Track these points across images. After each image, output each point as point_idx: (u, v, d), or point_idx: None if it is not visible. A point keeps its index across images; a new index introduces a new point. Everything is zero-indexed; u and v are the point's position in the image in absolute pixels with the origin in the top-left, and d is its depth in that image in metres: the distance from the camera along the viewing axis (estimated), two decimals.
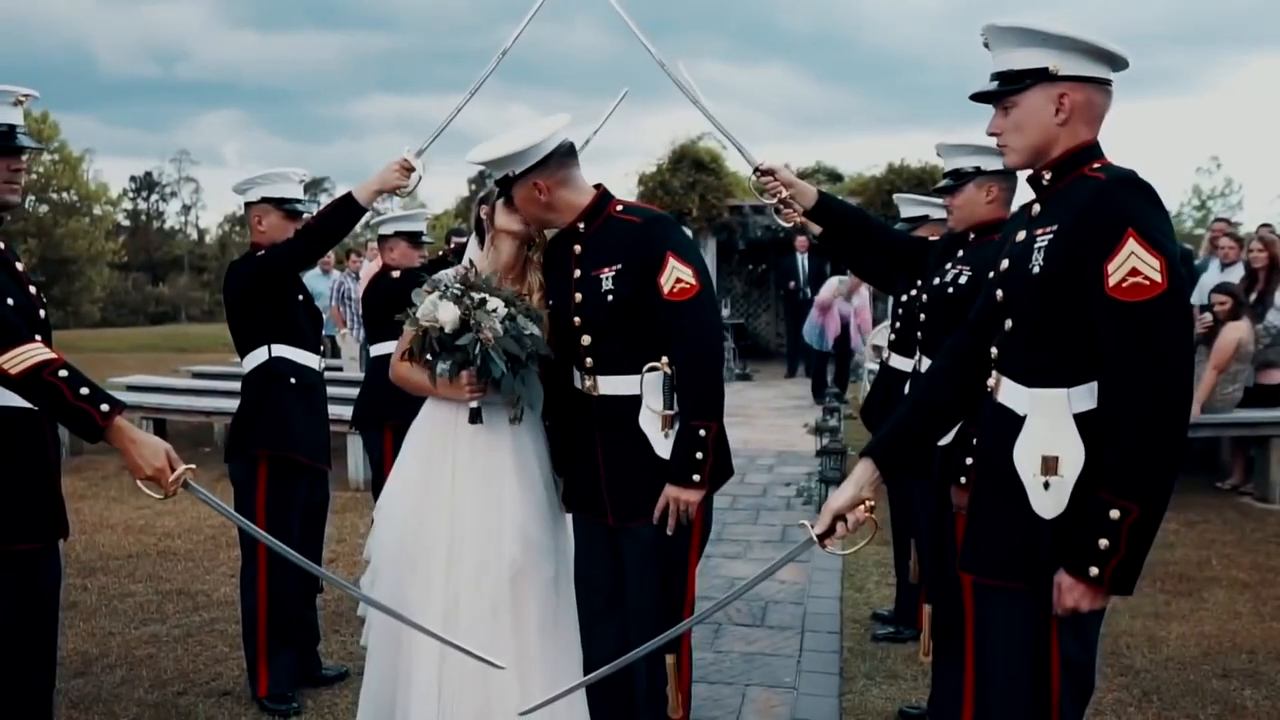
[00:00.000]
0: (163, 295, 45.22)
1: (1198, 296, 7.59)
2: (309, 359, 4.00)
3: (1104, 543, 2.06)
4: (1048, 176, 2.30)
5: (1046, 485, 2.18)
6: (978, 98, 2.36)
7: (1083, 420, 2.16)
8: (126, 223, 50.11)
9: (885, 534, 5.34)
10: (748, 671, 4.23)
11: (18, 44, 79.19)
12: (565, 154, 2.95)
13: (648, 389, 2.90)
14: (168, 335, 28.63)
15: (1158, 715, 3.82)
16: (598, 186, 3.05)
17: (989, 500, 2.34)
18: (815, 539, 2.38)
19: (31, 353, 2.42)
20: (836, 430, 7.15)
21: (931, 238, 3.99)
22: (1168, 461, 2.07)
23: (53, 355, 2.45)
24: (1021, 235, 2.31)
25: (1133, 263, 2.07)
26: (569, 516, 3.18)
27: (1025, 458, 2.23)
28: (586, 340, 2.95)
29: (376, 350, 5.19)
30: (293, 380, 3.91)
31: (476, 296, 2.91)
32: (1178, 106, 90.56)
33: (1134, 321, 2.07)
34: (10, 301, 2.56)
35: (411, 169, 3.54)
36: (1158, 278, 2.06)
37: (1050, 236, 2.21)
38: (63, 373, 2.43)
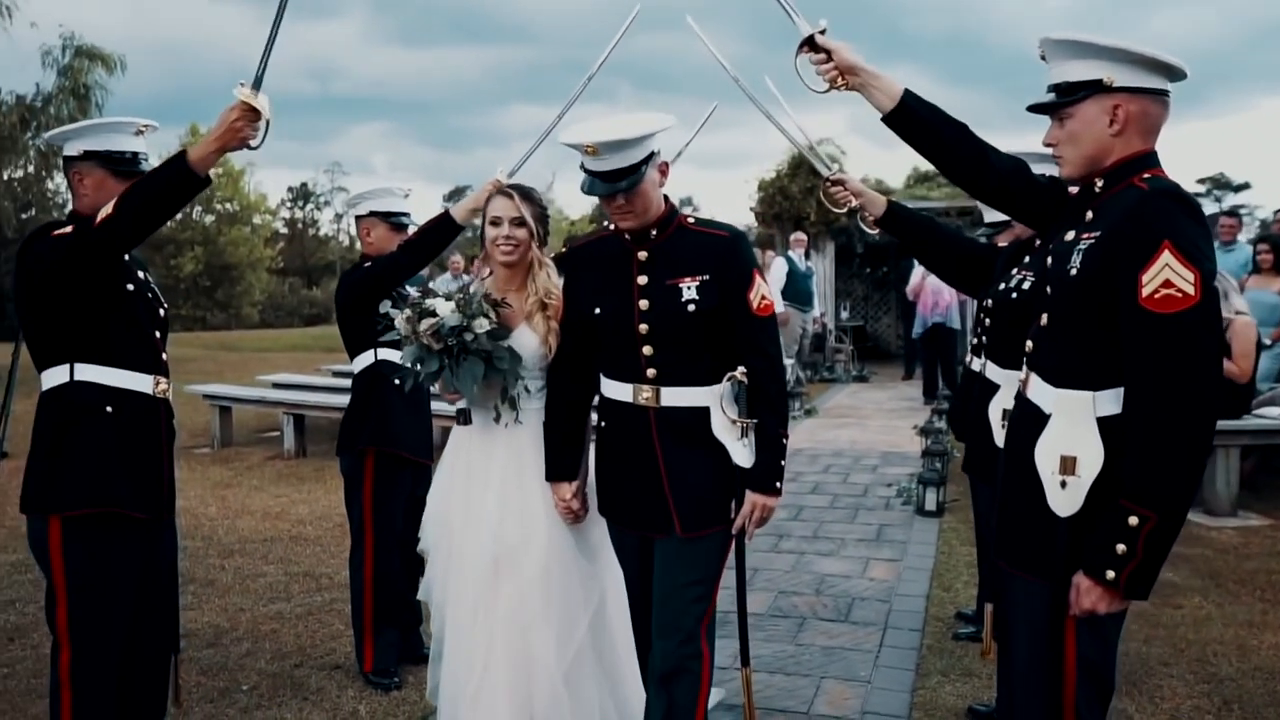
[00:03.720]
0: (316, 298, 47.28)
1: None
2: None
3: (1121, 548, 2.13)
4: (1099, 184, 2.34)
5: (1063, 484, 2.26)
6: (1035, 109, 2.41)
7: (1105, 424, 2.22)
8: (284, 230, 52.65)
9: (973, 534, 5.37)
10: (825, 664, 4.33)
11: (186, 65, 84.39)
12: None
13: (725, 399, 2.86)
14: (319, 336, 30.04)
15: None
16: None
17: (1013, 493, 2.43)
18: (813, 35, 2.58)
19: (107, 204, 2.76)
20: (942, 432, 7.14)
21: (1000, 244, 4.04)
22: (1188, 473, 2.12)
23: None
24: (1070, 235, 2.36)
25: (1166, 274, 2.11)
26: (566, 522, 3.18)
27: (1045, 455, 2.30)
28: (648, 350, 2.88)
29: None
30: (397, 381, 4.24)
31: (428, 304, 3.07)
32: None
33: (1163, 332, 2.10)
34: (130, 287, 2.97)
35: None
36: (1190, 290, 2.09)
37: (1091, 241, 2.27)
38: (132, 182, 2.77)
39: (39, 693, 3.97)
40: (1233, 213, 8.93)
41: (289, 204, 56.30)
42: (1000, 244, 4.05)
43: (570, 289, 3.08)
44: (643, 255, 2.91)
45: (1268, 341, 7.55)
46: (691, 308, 2.83)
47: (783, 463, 2.92)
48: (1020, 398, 2.45)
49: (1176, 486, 2.11)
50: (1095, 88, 2.28)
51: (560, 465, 3.12)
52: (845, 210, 3.82)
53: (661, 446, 2.90)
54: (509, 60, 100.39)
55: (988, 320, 3.77)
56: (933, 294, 11.67)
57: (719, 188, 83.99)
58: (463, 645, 3.17)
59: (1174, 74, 2.30)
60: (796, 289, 12.52)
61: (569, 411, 3.11)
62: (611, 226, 2.97)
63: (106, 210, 2.75)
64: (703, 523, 2.91)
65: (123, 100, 19.34)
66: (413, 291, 3.39)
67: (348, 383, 11.51)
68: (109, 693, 2.97)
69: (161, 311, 3.13)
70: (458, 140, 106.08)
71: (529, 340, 3.19)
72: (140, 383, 2.97)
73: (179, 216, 38.24)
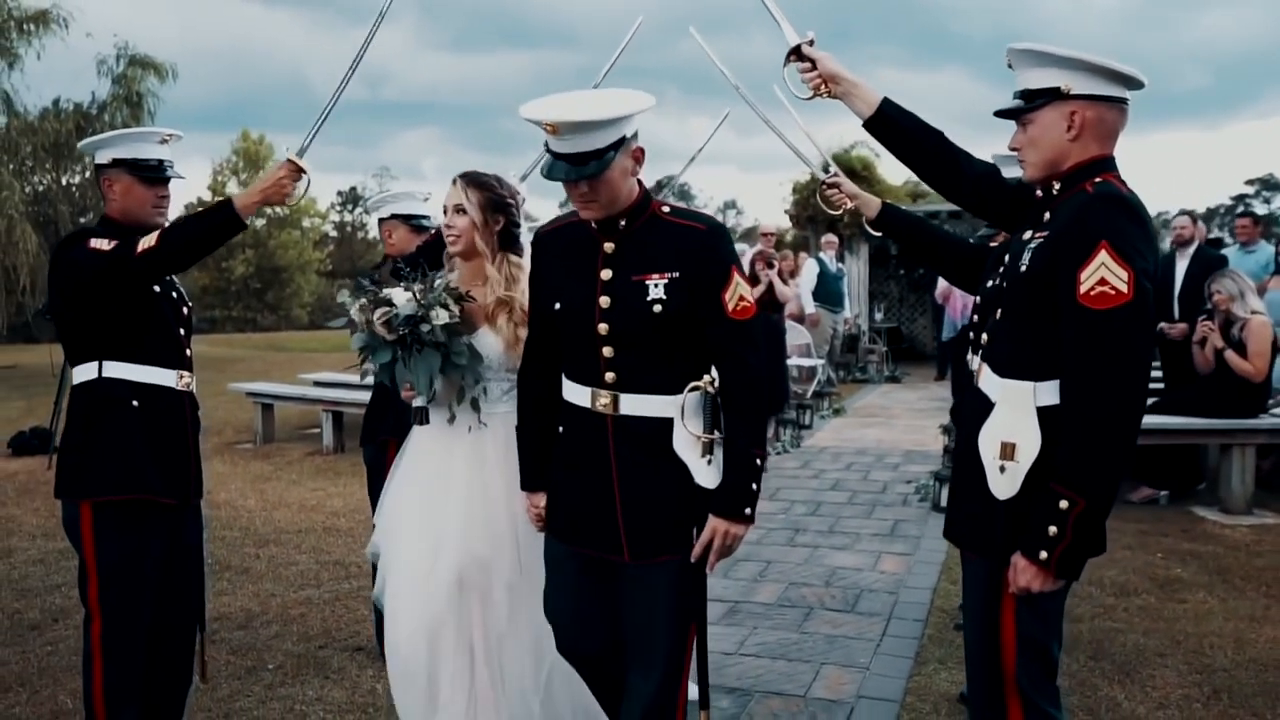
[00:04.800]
0: None
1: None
2: None
3: (1053, 530, 2.25)
4: (1057, 186, 2.47)
5: (1002, 469, 2.38)
6: (1001, 114, 2.54)
7: (1045, 413, 2.34)
8: (333, 234, 53.52)
9: None
10: (827, 652, 4.46)
11: (240, 71, 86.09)
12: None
13: (689, 410, 2.60)
14: None
15: (1223, 712, 3.84)
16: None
17: (960, 477, 2.57)
18: (800, 45, 2.72)
19: (152, 234, 3.04)
20: None
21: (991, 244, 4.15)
22: (1115, 460, 2.24)
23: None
24: (1027, 235, 2.49)
25: (1102, 273, 2.22)
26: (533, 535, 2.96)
27: (987, 441, 2.44)
28: (608, 352, 2.63)
29: None
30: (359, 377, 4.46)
31: (385, 293, 2.96)
32: None
33: (1097, 328, 2.23)
34: (157, 289, 3.19)
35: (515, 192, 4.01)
36: (1124, 289, 2.21)
37: (1041, 240, 2.40)
38: (177, 219, 3.09)
39: (78, 669, 4.22)
40: (1248, 213, 8.97)
41: (338, 208, 57.22)
42: (992, 244, 4.16)
43: (534, 279, 2.83)
44: (609, 247, 2.65)
45: None
46: (657, 308, 2.57)
47: (755, 485, 2.60)
48: (972, 387, 2.59)
49: (1103, 473, 2.24)
50: (1054, 95, 2.40)
51: (536, 473, 2.86)
52: (840, 211, 3.95)
53: (617, 459, 2.64)
54: (555, 65, 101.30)
55: (974, 317, 3.88)
56: (961, 297, 11.68)
57: (762, 189, 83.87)
58: (418, 665, 2.99)
59: (1131, 83, 2.42)
60: (827, 290, 12.64)
61: (537, 408, 2.85)
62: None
63: (150, 242, 2.99)
64: (656, 549, 2.63)
65: (176, 107, 20.00)
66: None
67: None
68: (137, 663, 3.19)
69: (185, 310, 3.35)
70: (506, 144, 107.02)
71: (491, 341, 3.06)
72: (165, 377, 3.19)
73: None
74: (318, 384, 11.16)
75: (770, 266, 9.46)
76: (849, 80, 2.73)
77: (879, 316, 16.86)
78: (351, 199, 58.10)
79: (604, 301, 2.62)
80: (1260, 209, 41.42)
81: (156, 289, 3.20)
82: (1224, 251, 8.68)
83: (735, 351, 2.61)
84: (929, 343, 17.89)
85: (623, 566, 2.68)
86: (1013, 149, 2.56)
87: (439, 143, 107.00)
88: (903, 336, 17.78)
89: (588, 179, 2.53)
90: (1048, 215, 2.47)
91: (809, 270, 12.64)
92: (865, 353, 15.19)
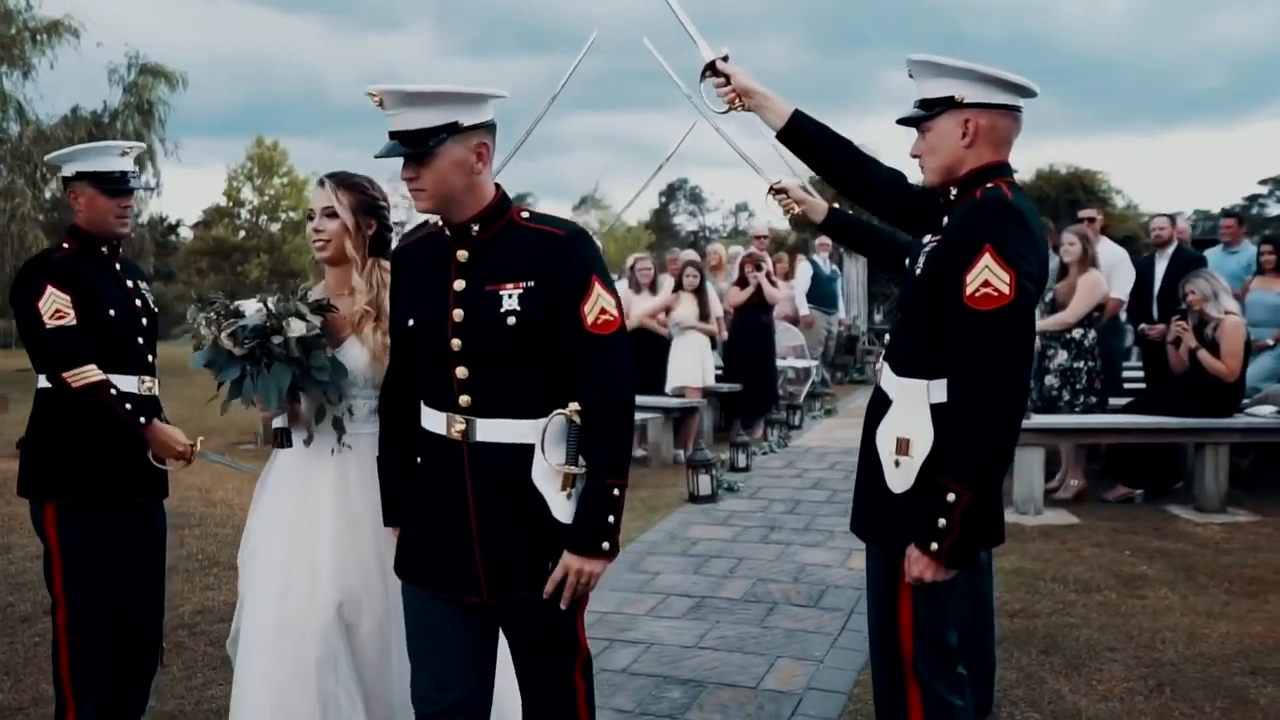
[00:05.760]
0: None
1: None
2: None
3: (942, 522, 2.36)
4: (953, 192, 2.58)
5: (898, 464, 2.51)
6: (902, 122, 2.66)
7: (937, 410, 2.46)
8: None
9: None
10: (784, 645, 4.55)
11: (255, 78, 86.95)
12: (494, 128, 2.45)
13: (549, 439, 2.36)
14: None
15: (1163, 705, 3.91)
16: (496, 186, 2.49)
17: (862, 471, 2.70)
18: (714, 61, 2.90)
19: (88, 373, 3.18)
20: None
21: None
22: (998, 454, 2.36)
23: (104, 377, 3.21)
24: (926, 239, 2.60)
25: (985, 275, 2.33)
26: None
27: (884, 437, 2.57)
28: (462, 372, 2.39)
29: None
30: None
31: (236, 304, 2.84)
32: None
33: (980, 328, 2.34)
34: (112, 312, 3.30)
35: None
36: (1006, 290, 2.32)
37: (934, 245, 2.52)
38: (113, 391, 3.22)
39: None
40: (1231, 213, 9.04)
41: None
42: None
43: (392, 297, 2.62)
44: (462, 255, 2.43)
45: (1270, 342, 7.60)
46: (511, 320, 2.35)
47: (611, 518, 2.35)
48: (875, 386, 2.72)
49: (987, 467, 2.35)
50: (949, 104, 2.51)
51: (399, 508, 2.64)
52: (789, 216, 4.06)
53: (474, 491, 2.41)
54: (567, 70, 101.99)
55: None
56: None
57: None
58: (303, 711, 2.79)
59: (1024, 92, 2.53)
60: (821, 292, 12.76)
61: (398, 437, 2.63)
62: (438, 221, 2.50)
63: (79, 379, 3.15)
64: (517, 586, 2.41)
65: (192, 113, 20.45)
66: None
67: None
68: (99, 646, 3.34)
69: (144, 320, 3.47)
70: (522, 148, 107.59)
71: (357, 354, 2.84)
72: (127, 384, 3.33)
73: (246, 225, 39.75)
74: None
75: (759, 269, 9.57)
76: (761, 94, 2.88)
77: (878, 318, 16.93)
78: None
79: (457, 315, 2.40)
80: (1274, 209, 41.17)
81: (112, 312, 3.31)
82: (1207, 252, 8.74)
83: (593, 369, 2.36)
84: None
85: (483, 608, 2.46)
86: (914, 155, 2.67)
87: None
88: None
89: (415, 161, 2.35)
90: (945, 220, 2.57)
91: (803, 273, 12.76)
92: (863, 354, 15.27)
